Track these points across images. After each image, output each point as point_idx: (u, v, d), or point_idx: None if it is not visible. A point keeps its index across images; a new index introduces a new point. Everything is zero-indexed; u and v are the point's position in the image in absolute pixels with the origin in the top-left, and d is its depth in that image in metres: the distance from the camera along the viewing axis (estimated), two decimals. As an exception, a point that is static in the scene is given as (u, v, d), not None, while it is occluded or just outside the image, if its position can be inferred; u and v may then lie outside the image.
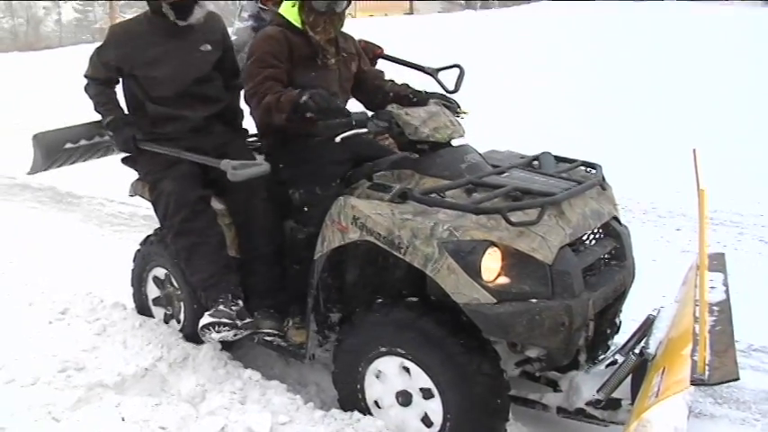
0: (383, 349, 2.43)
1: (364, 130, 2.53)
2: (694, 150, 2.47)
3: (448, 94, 3.17)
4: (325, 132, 2.51)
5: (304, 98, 2.54)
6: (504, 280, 2.21)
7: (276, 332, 2.89)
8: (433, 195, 2.32)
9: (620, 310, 2.71)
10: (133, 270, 3.57)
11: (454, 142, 2.74)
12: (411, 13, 38.44)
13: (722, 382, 1.90)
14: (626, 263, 2.59)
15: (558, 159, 2.81)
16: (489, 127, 7.58)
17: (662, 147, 7.07)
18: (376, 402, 2.57)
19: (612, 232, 2.62)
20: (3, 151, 9.60)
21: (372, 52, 3.46)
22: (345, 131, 2.49)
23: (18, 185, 7.19)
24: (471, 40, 14.51)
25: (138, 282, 3.55)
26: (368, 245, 2.41)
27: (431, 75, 3.42)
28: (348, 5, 2.89)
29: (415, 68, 3.45)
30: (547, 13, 17.72)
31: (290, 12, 2.87)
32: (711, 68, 10.29)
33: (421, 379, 2.38)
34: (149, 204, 3.18)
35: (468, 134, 2.78)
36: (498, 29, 15.67)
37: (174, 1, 2.97)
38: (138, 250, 3.53)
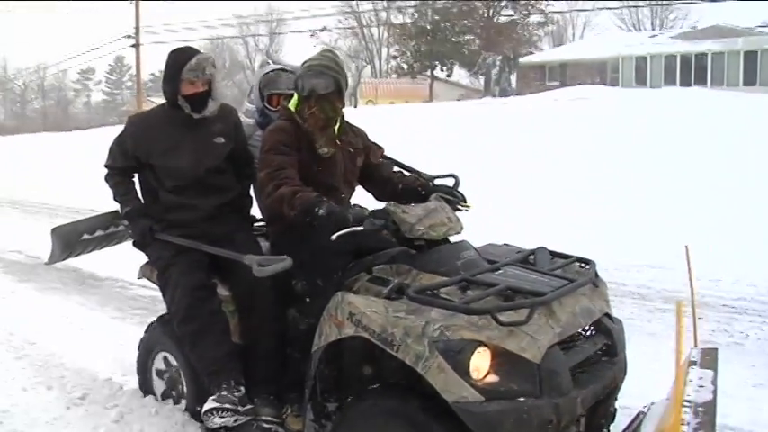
0: None
1: (360, 228, 2.61)
2: (686, 247, 2.74)
3: (452, 189, 3.24)
4: (323, 229, 2.61)
5: (321, 211, 2.61)
6: (492, 378, 2.26)
7: (275, 419, 2.93)
8: (427, 293, 2.40)
9: (616, 399, 2.75)
10: (138, 357, 3.61)
11: (453, 238, 2.84)
12: (430, 100, 39.40)
13: None
14: (617, 358, 2.64)
15: (554, 254, 2.89)
16: (500, 215, 7.81)
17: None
18: None
19: (603, 329, 2.67)
20: (28, 230, 9.94)
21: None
22: (342, 229, 2.59)
23: (41, 265, 7.46)
24: (487, 128, 15.05)
25: (144, 364, 3.57)
26: (363, 339, 2.46)
27: (430, 180, 3.49)
28: (336, 89, 2.95)
29: (413, 173, 3.54)
30: (560, 101, 18.21)
31: (295, 104, 3.05)
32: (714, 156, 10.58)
33: None
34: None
35: (478, 222, 2.86)
36: (514, 117, 16.11)
37: (188, 95, 3.15)
38: (146, 339, 3.56)
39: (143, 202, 3.37)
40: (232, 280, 3.09)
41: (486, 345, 2.25)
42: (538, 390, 2.26)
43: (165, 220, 3.23)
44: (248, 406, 2.93)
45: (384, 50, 54.41)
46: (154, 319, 3.62)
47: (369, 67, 53.89)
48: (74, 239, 3.67)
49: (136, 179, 3.41)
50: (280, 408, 2.96)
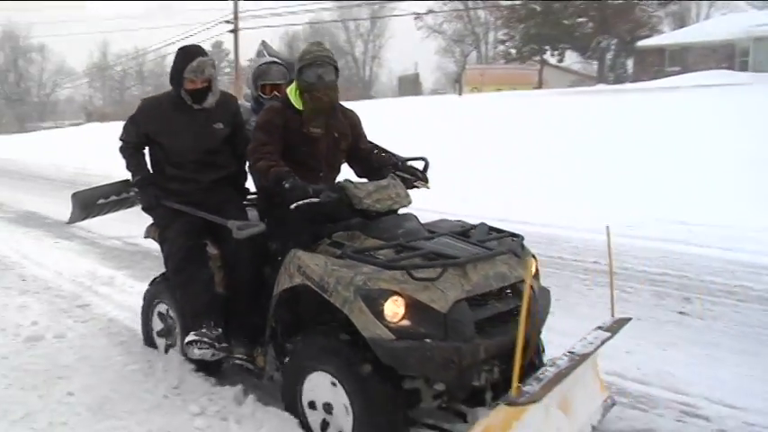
0: (315, 368, 3.21)
1: (317, 200, 3.31)
2: (607, 227, 3.61)
3: (417, 170, 3.99)
4: (287, 199, 3.34)
5: (286, 184, 3.33)
6: (404, 322, 2.91)
7: (246, 357, 3.74)
8: (365, 253, 3.09)
9: (541, 348, 3.59)
10: (142, 306, 4.55)
11: (401, 211, 3.56)
12: (539, 87, 39.62)
13: (525, 404, 2.59)
14: (531, 319, 2.99)
15: (492, 230, 3.61)
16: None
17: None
18: (311, 404, 3.30)
19: (519, 292, 3.15)
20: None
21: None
22: (300, 200, 3.31)
23: (140, 252, 7.85)
24: (605, 120, 15.00)
25: (146, 316, 4.51)
26: (309, 289, 3.20)
27: (401, 163, 4.01)
28: (336, 77, 3.66)
29: (388, 154, 4.15)
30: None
31: (291, 92, 3.72)
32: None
33: (340, 391, 3.10)
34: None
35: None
36: (622, 109, 16.28)
37: (190, 90, 3.92)
38: (147, 292, 4.52)
39: (151, 172, 4.19)
40: (220, 241, 3.89)
41: (400, 294, 2.93)
42: (443, 334, 2.90)
43: (168, 190, 4.06)
44: (224, 344, 3.75)
45: (491, 34, 55.07)
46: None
47: (474, 52, 55.03)
48: (90, 203, 4.62)
49: (146, 153, 4.24)
50: (252, 348, 3.75)
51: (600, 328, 3.39)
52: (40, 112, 69.28)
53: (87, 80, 66.95)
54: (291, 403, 3.38)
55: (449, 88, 51.32)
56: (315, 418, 3.29)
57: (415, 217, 3.58)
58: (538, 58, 44.17)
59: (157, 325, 4.42)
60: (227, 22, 38.06)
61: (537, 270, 3.57)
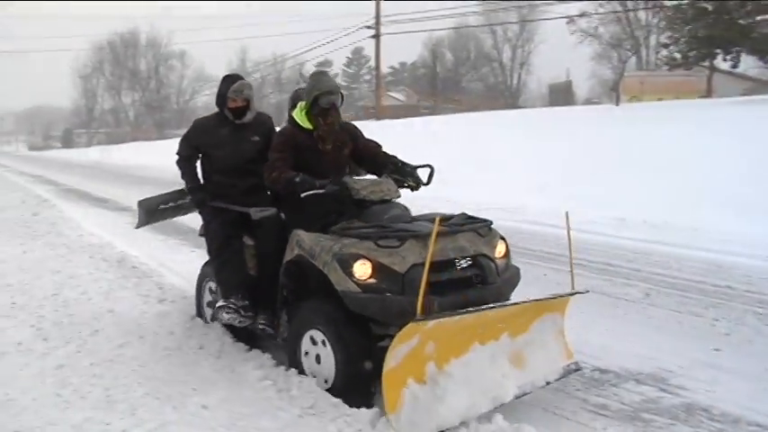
0: (310, 327, 4.24)
1: (322, 191, 4.40)
2: (566, 213, 4.55)
3: (411, 171, 4.89)
4: (298, 190, 4.42)
5: (297, 179, 4.43)
6: (370, 280, 3.96)
7: (267, 323, 4.79)
8: (347, 230, 4.20)
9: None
10: (196, 284, 5.78)
11: (397, 201, 4.63)
12: (708, 95, 37.81)
13: (424, 320, 3.54)
14: (489, 286, 4.23)
15: (471, 218, 4.57)
16: None
17: None
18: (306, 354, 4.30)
19: (478, 264, 4.26)
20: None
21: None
22: (308, 191, 4.42)
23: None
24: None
25: (199, 291, 5.73)
26: (304, 259, 4.28)
27: (412, 170, 4.93)
28: (342, 102, 4.72)
29: (398, 160, 4.96)
30: None
31: (298, 115, 4.75)
32: None
33: (328, 344, 4.11)
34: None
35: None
36: None
37: (232, 108, 5.13)
38: (200, 272, 5.71)
39: (202, 180, 5.38)
40: (254, 235, 4.96)
41: (366, 258, 3.99)
42: (400, 290, 3.93)
43: (214, 193, 5.24)
44: (249, 313, 4.87)
45: (653, 38, 53.12)
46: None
47: (634, 57, 53.15)
48: (153, 209, 5.82)
49: (198, 164, 5.41)
50: (273, 317, 4.76)
51: (554, 296, 4.48)
52: (179, 119, 73.85)
53: (226, 87, 70.45)
54: (293, 357, 4.40)
55: (604, 97, 49.91)
56: (310, 365, 4.27)
57: (403, 206, 4.64)
58: (706, 63, 41.94)
59: (207, 298, 5.61)
60: (368, 27, 38.72)
61: (507, 250, 4.60)
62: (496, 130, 21.83)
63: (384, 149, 5.06)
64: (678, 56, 43.98)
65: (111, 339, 5.26)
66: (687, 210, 10.28)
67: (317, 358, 4.22)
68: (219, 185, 5.22)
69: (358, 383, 4.00)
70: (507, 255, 4.61)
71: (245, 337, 5.10)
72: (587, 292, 4.76)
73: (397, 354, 3.58)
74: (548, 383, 4.23)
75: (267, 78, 74.09)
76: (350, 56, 77.44)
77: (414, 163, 4.97)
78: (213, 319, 5.32)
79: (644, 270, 7.59)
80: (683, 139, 15.01)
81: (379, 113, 39.51)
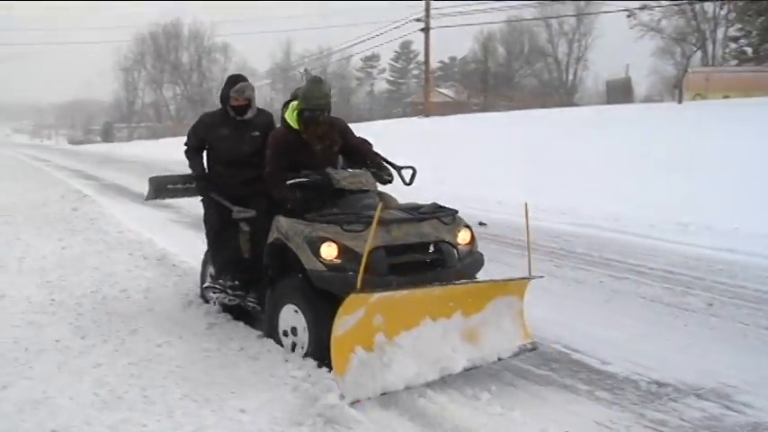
0: (286, 301, 4.91)
1: (306, 179, 5.13)
2: (526, 204, 5.17)
3: (392, 168, 5.62)
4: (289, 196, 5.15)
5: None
6: (336, 260, 4.59)
7: (256, 301, 5.50)
8: (320, 216, 4.83)
9: None
10: (201, 270, 6.56)
11: (383, 191, 5.45)
12: None
13: (363, 293, 4.09)
14: (447, 269, 4.83)
15: (441, 207, 5.18)
16: None
17: None
18: (284, 332, 4.95)
19: (438, 248, 4.89)
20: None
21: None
22: (295, 180, 5.14)
23: None
24: None
25: (202, 275, 6.48)
26: (282, 242, 4.93)
27: (396, 169, 5.67)
28: (329, 114, 5.30)
29: (386, 163, 5.66)
30: None
31: (290, 117, 5.36)
32: None
33: (300, 316, 4.77)
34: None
35: None
36: None
37: (234, 106, 5.74)
38: (204, 257, 6.46)
39: (206, 170, 6.01)
40: (250, 223, 5.55)
41: (332, 240, 4.64)
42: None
43: (217, 183, 5.88)
44: (238, 292, 5.70)
45: (720, 31, 52.02)
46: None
47: (699, 52, 52.06)
48: (162, 186, 6.55)
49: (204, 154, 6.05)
50: (262, 295, 5.34)
51: (509, 279, 5.03)
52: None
53: (269, 81, 71.22)
54: (271, 329, 5.10)
55: (666, 95, 49.12)
56: (287, 341, 4.94)
57: (377, 195, 5.30)
58: (779, 58, 40.96)
59: (207, 281, 6.32)
60: (418, 20, 38.65)
61: (472, 237, 5.17)
62: (550, 129, 21.62)
63: (370, 147, 5.70)
64: (749, 50, 43.14)
65: (150, 339, 5.36)
66: (755, 215, 10.05)
67: (293, 330, 4.88)
68: (221, 176, 5.89)
69: (329, 348, 4.30)
70: (472, 242, 5.18)
71: (239, 314, 5.84)
72: (543, 277, 5.43)
73: (344, 323, 4.15)
74: (500, 359, 4.74)
75: (312, 72, 74.44)
76: (398, 50, 77.53)
77: (400, 163, 5.78)
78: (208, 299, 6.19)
79: (707, 279, 7.43)
80: (753, 139, 14.68)
81: (427, 110, 39.40)
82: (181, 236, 10.09)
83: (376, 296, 4.23)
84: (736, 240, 9.04)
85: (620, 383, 4.70)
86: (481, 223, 10.68)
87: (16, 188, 17.35)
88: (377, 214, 4.23)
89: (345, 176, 5.21)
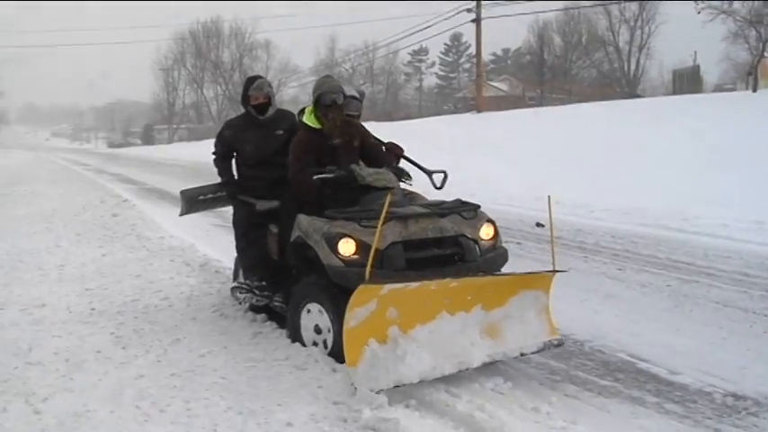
0: (309, 300, 5.14)
1: (332, 175, 5.35)
2: (549, 197, 5.19)
3: (423, 172, 6.12)
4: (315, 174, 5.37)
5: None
6: (354, 256, 4.82)
7: (284, 300, 5.70)
8: (338, 213, 5.07)
9: None
10: (233, 269, 6.90)
11: (414, 190, 5.89)
12: None
13: (373, 284, 4.30)
14: (468, 263, 5.04)
15: (464, 203, 5.40)
16: None
17: None
18: (307, 331, 5.17)
19: (458, 243, 5.09)
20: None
21: (394, 152, 6.17)
22: (321, 175, 5.36)
23: None
24: None
25: (234, 275, 6.81)
26: (302, 240, 5.19)
27: (427, 174, 6.11)
28: (353, 102, 5.78)
29: (418, 167, 6.13)
30: None
31: (308, 118, 5.65)
32: None
33: (324, 314, 5.01)
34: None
35: None
36: None
37: (254, 105, 6.05)
38: (235, 258, 6.68)
39: (234, 175, 6.37)
40: (278, 223, 5.74)
41: (350, 236, 4.88)
42: (380, 265, 4.70)
43: (245, 186, 6.22)
44: (265, 292, 5.94)
45: (799, 14, 50.64)
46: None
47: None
48: (195, 199, 6.85)
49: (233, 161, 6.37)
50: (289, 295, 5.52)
51: (532, 273, 5.17)
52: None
53: (313, 78, 71.63)
54: (294, 327, 5.31)
55: (739, 83, 48.05)
56: (310, 340, 5.17)
57: (403, 193, 5.65)
58: None
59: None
60: (469, 10, 38.46)
61: (496, 232, 5.35)
62: (611, 123, 21.35)
63: (397, 150, 6.15)
64: (831, 32, 41.75)
65: (193, 349, 5.42)
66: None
67: (317, 328, 5.11)
68: (248, 178, 6.25)
69: None
70: (495, 237, 5.36)
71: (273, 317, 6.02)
72: (568, 270, 5.46)
73: (355, 315, 4.34)
74: (522, 355, 4.84)
75: (358, 68, 74.74)
76: (448, 43, 77.50)
77: (431, 168, 6.12)
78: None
79: (788, 282, 7.22)
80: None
81: (479, 105, 39.22)
82: (223, 241, 10.13)
83: (387, 288, 4.41)
84: (819, 239, 8.81)
85: (692, 395, 4.59)
86: (538, 224, 10.60)
87: (56, 193, 17.80)
88: (384, 208, 4.42)
89: (370, 173, 5.45)
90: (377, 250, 4.56)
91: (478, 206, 5.39)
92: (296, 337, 5.29)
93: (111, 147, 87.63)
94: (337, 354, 4.74)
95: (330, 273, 4.90)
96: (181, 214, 7.11)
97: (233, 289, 6.33)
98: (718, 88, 49.43)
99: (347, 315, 4.34)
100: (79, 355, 5.29)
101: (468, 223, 5.23)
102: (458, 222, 5.18)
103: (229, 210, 6.57)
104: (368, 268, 4.36)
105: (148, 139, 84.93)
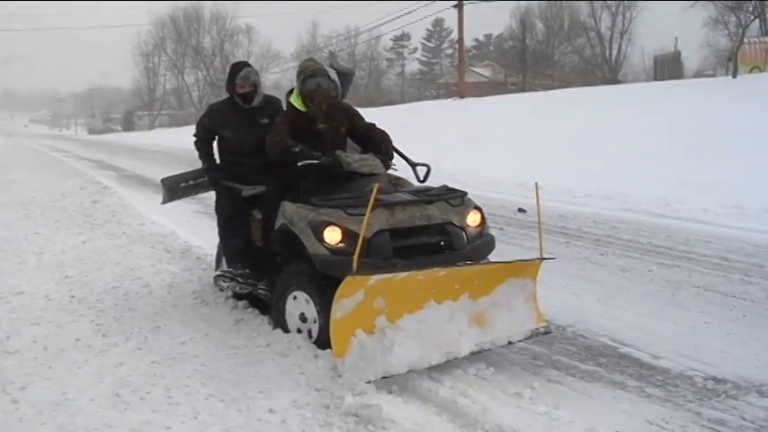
0: (294, 288, 5.06)
1: (318, 161, 5.18)
2: (536, 183, 5.35)
3: (408, 163, 5.95)
4: (297, 159, 5.19)
5: (295, 149, 5.23)
6: (340, 245, 4.73)
7: (267, 289, 5.64)
8: (324, 200, 4.96)
9: None
10: (216, 256, 6.81)
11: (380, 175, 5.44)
12: None
13: (359, 275, 4.28)
14: (455, 251, 4.98)
15: (451, 189, 5.35)
16: None
17: None
18: (292, 319, 5.10)
19: (445, 230, 5.01)
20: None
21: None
22: (306, 161, 5.18)
23: None
24: None
25: (217, 262, 6.71)
26: (287, 227, 5.08)
27: (411, 166, 5.91)
28: (333, 84, 5.52)
29: (403, 158, 5.99)
30: None
31: (295, 99, 5.56)
32: None
33: (310, 303, 4.94)
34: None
35: None
36: None
37: (240, 93, 5.96)
38: (218, 245, 6.59)
39: (216, 160, 6.29)
40: (262, 209, 5.68)
41: (336, 224, 4.78)
42: (366, 253, 4.60)
43: (228, 171, 6.12)
44: (249, 280, 5.83)
45: (780, -1, 50.81)
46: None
47: (757, 21, 50.94)
48: (176, 186, 6.78)
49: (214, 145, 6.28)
50: (273, 282, 5.46)
51: (519, 261, 5.12)
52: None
53: (295, 64, 71.19)
54: (279, 316, 5.23)
55: (719, 69, 48.26)
56: (295, 329, 5.09)
57: (386, 178, 5.42)
58: None
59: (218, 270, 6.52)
60: (451, -5, 38.34)
61: (483, 219, 5.26)
62: (592, 109, 21.37)
63: (383, 135, 5.78)
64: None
65: (174, 336, 5.38)
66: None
67: (302, 317, 5.05)
68: (233, 165, 6.12)
69: None
70: (482, 224, 5.28)
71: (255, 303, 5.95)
72: (554, 258, 5.41)
73: (342, 306, 4.31)
74: (510, 343, 4.84)
75: (340, 54, 74.30)
76: (430, 28, 77.36)
77: (414, 159, 5.99)
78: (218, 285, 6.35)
79: (767, 266, 7.29)
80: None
81: (461, 91, 39.17)
82: (205, 228, 10.13)
83: (375, 278, 4.37)
84: (798, 224, 8.87)
85: (674, 379, 4.62)
86: (521, 210, 10.62)
87: (35, 180, 17.58)
88: (372, 196, 4.37)
89: (356, 159, 5.36)
90: (363, 239, 4.50)
91: (465, 193, 5.32)
92: (280, 323, 5.23)
93: (92, 133, 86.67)
94: (323, 344, 4.71)
95: (316, 261, 4.84)
96: (163, 202, 7.04)
97: (216, 277, 6.25)
98: (699, 74, 49.69)
99: (334, 306, 4.30)
100: (58, 344, 5.23)
101: (455, 210, 5.15)
102: (445, 210, 5.10)
103: (211, 196, 6.50)
104: (355, 258, 4.33)
105: (129, 125, 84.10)
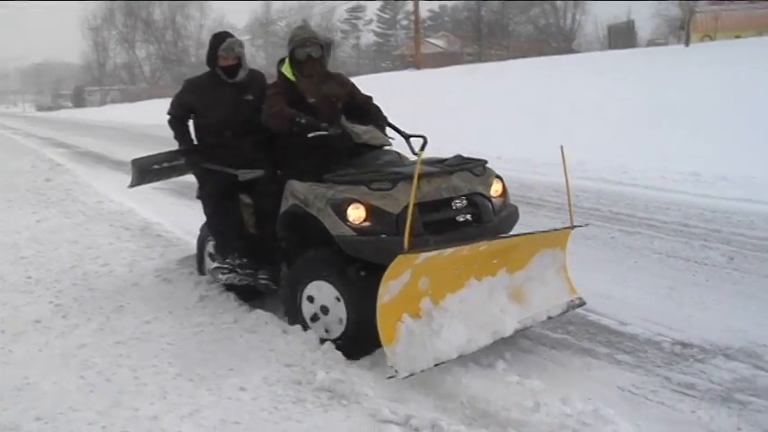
0: (312, 278, 4.58)
1: (326, 132, 4.75)
2: (561, 147, 4.94)
3: (401, 135, 5.32)
4: (305, 131, 4.74)
5: (302, 120, 4.76)
6: (365, 223, 4.33)
7: (268, 278, 5.19)
8: (340, 176, 4.57)
9: None
10: (197, 241, 6.19)
11: (385, 148, 5.23)
12: None
13: (411, 253, 3.82)
14: (485, 224, 4.65)
15: (466, 159, 5.00)
16: None
17: None
18: (312, 314, 4.61)
19: (473, 202, 4.68)
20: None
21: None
22: (315, 132, 4.73)
23: None
24: None
25: (200, 252, 6.10)
26: (300, 209, 4.63)
27: (405, 138, 5.28)
28: (325, 52, 5.09)
29: (396, 131, 5.40)
30: None
31: (286, 69, 5.09)
32: None
33: (332, 292, 4.47)
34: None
35: None
36: None
37: (223, 66, 5.39)
38: (201, 231, 6.08)
39: (194, 141, 5.64)
40: (252, 194, 5.30)
41: (359, 201, 4.36)
42: (395, 231, 4.24)
43: (210, 154, 5.50)
44: (247, 270, 5.32)
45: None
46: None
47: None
48: (147, 168, 6.16)
49: (190, 124, 5.67)
50: (276, 271, 5.15)
51: (551, 230, 4.99)
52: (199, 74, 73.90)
53: (249, 37, 70.28)
54: (291, 309, 4.73)
55: (671, 38, 48.77)
56: (315, 324, 4.60)
57: (396, 152, 5.17)
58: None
59: (208, 259, 5.99)
60: (404, -35, 38.10)
61: (504, 189, 5.00)
62: (547, 78, 21.45)
63: (374, 104, 5.45)
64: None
65: (138, 315, 5.28)
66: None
67: (324, 309, 4.56)
68: (215, 147, 5.49)
69: (368, 334, 4.04)
70: (504, 193, 5.03)
71: (250, 296, 5.51)
72: (587, 225, 5.38)
73: (390, 288, 3.89)
74: (549, 318, 4.61)
75: (294, 26, 73.42)
76: (386, -2, 76.64)
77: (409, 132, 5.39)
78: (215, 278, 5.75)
79: (725, 231, 7.36)
80: None
81: (417, 63, 39.08)
82: (164, 204, 10.02)
83: (423, 257, 3.95)
84: (754, 190, 8.99)
85: (642, 345, 4.66)
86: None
87: (-17, 159, 17.15)
88: (417, 167, 3.96)
89: (365, 130, 5.12)
90: (389, 215, 4.30)
91: (486, 161, 5.01)
92: (296, 320, 4.72)
93: (41, 110, 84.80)
94: (353, 334, 4.37)
95: (341, 244, 4.36)
96: (131, 185, 6.31)
97: (214, 270, 5.59)
98: (651, 43, 50.02)
99: (381, 289, 3.85)
100: (17, 326, 5.12)
101: (479, 180, 4.82)
102: (469, 180, 4.76)
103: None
104: (406, 235, 3.82)
105: (79, 101, 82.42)
